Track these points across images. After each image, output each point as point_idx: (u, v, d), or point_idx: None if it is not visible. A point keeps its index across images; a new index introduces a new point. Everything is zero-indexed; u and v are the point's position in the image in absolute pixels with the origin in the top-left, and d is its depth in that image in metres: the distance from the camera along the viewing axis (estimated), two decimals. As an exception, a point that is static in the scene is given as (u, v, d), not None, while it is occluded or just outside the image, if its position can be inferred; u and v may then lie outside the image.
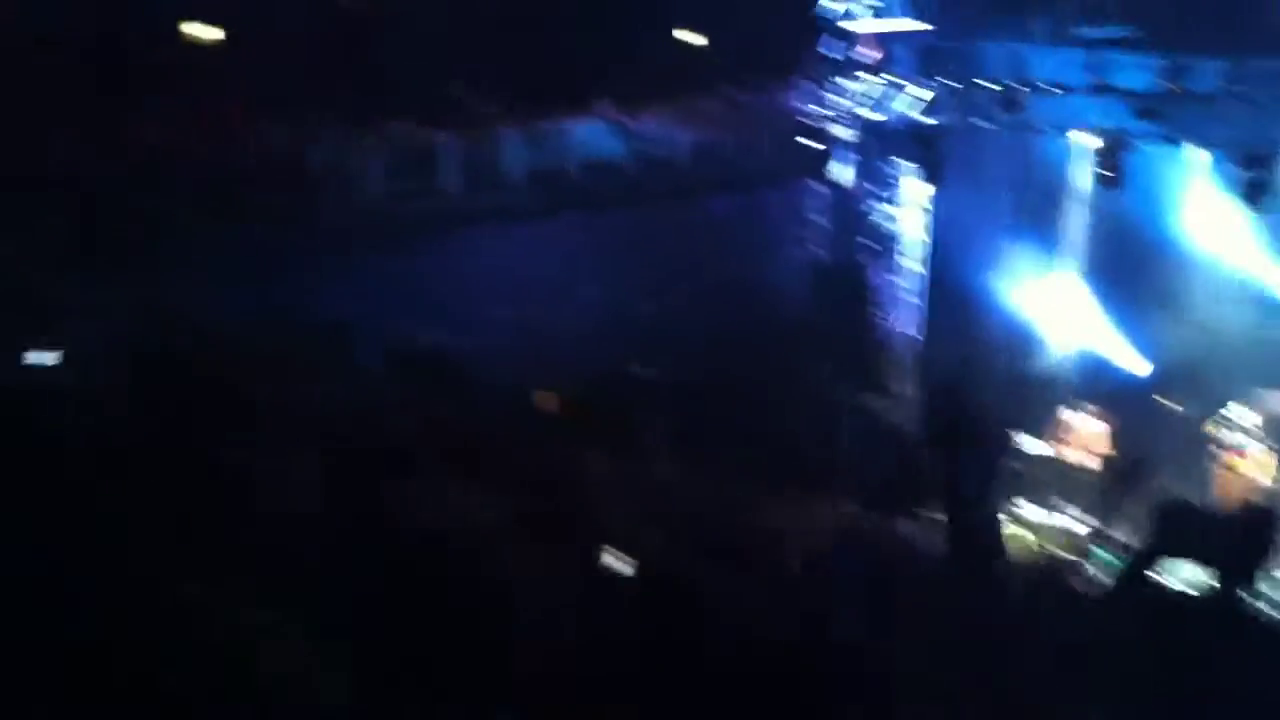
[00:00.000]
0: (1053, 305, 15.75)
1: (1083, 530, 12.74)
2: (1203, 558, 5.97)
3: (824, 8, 15.15)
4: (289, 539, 3.93)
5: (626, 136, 16.67)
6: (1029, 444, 13.87)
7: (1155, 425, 14.19)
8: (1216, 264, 15.31)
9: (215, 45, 14.78)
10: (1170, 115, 13.82)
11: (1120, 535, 12.20)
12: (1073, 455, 13.84)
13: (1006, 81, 14.44)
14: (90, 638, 3.21)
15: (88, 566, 3.39)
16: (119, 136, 13.46)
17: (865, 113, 15.33)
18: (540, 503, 4.58)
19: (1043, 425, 14.16)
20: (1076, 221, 15.39)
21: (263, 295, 11.64)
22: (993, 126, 14.72)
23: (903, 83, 15.05)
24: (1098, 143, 14.28)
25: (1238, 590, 5.72)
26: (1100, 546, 12.09)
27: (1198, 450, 13.66)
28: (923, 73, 15.00)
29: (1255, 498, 12.60)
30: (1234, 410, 13.65)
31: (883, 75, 15.17)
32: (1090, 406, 14.15)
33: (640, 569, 4.28)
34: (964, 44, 14.81)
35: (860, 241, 15.97)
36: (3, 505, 3.55)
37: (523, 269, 14.46)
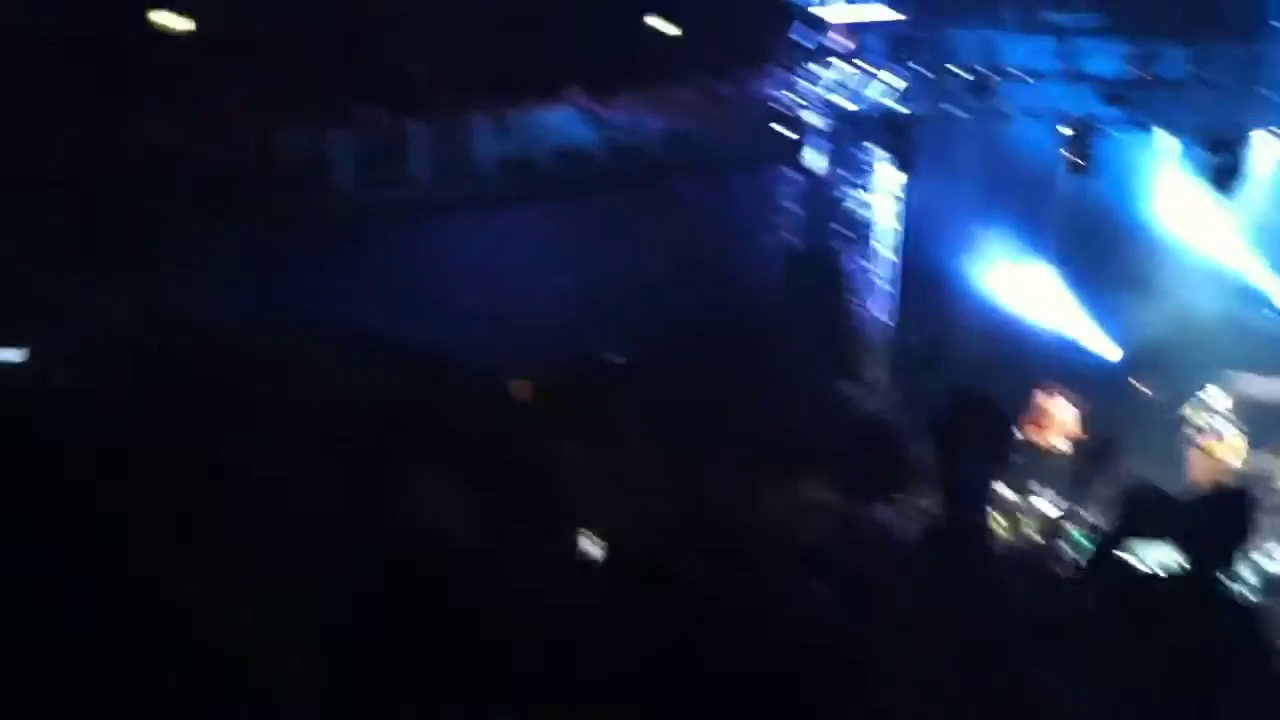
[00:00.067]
0: (1024, 290, 15.83)
1: (1055, 513, 12.82)
2: (1176, 540, 6.01)
3: (796, -5, 15.17)
4: (269, 535, 3.93)
5: (599, 124, 16.66)
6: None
7: (1128, 409, 14.29)
8: (1186, 248, 15.42)
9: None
10: (1139, 101, 13.91)
11: (1092, 518, 12.28)
12: (1045, 439, 13.92)
13: (978, 68, 14.50)
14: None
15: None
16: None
17: (838, 100, 15.35)
18: (518, 492, 4.58)
19: (1015, 410, 14.23)
20: (1048, 207, 15.45)
21: (255, 289, 11.64)
22: (964, 114, 14.78)
23: (875, 70, 15.07)
24: (1068, 129, 14.35)
25: (1211, 573, 5.76)
26: (1073, 529, 12.16)
27: (1171, 433, 13.76)
28: (895, 60, 15.02)
29: (1228, 480, 12.70)
30: (1207, 393, 13.75)
31: (855, 63, 15.19)
32: (1062, 390, 14.23)
33: (616, 556, 4.28)
34: (936, 31, 14.85)
35: (833, 228, 16.01)
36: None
37: (495, 257, 14.44)
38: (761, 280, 15.84)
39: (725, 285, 15.25)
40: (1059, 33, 14.33)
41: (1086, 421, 13.99)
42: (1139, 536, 7.23)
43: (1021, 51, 14.48)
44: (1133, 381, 14.62)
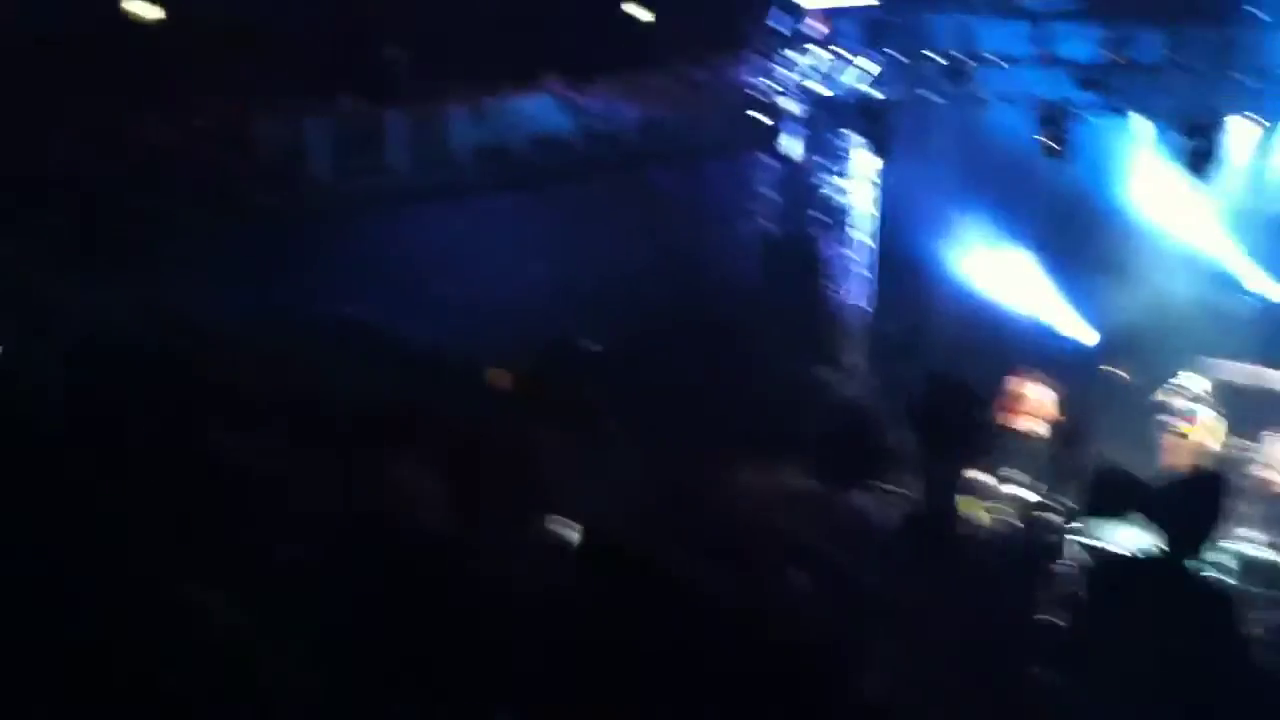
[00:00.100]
0: (1002, 276, 15.86)
1: (1032, 498, 12.85)
2: (1149, 523, 6.04)
3: (772, -19, 15.16)
4: (264, 533, 3.92)
5: (575, 111, 16.63)
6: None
7: (1104, 393, 14.34)
8: (1163, 233, 15.47)
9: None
10: (1115, 86, 13.93)
11: (1069, 502, 12.32)
12: (1023, 424, 13.95)
13: (953, 53, 14.51)
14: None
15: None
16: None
17: (814, 86, 15.35)
18: (495, 480, 4.58)
19: (993, 395, 14.27)
20: (1024, 193, 15.48)
21: (233, 282, 11.61)
22: (940, 99, 14.79)
23: (851, 56, 15.07)
24: (1044, 113, 14.37)
25: (1183, 556, 5.79)
26: (1049, 514, 12.20)
27: (1147, 418, 13.80)
28: (870, 46, 15.03)
29: (1205, 463, 12.74)
30: (1183, 377, 13.79)
31: (831, 48, 15.19)
32: (1039, 375, 14.27)
33: (593, 543, 4.28)
34: (911, 16, 14.85)
35: (810, 215, 16.01)
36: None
37: (472, 245, 14.40)
38: (738, 267, 15.84)
39: (702, 272, 15.25)
40: (1034, 17, 14.35)
41: (1063, 406, 14.02)
42: (1112, 519, 7.27)
43: (997, 36, 14.49)
44: (1109, 367, 14.66)
